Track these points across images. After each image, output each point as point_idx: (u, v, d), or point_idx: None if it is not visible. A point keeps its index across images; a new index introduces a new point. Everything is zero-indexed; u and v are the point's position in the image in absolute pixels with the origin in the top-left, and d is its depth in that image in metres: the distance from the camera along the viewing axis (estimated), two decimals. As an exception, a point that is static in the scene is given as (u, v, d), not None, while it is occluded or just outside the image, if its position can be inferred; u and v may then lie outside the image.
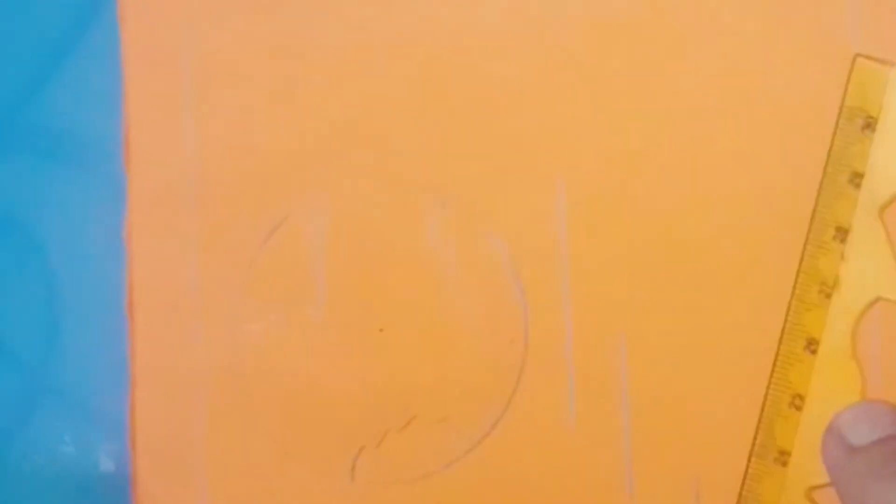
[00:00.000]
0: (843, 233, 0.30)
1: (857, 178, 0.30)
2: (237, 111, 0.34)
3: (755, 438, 0.30)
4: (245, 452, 0.34)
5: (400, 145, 0.33)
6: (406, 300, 0.33)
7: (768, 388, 0.30)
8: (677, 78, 0.32)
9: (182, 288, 0.34)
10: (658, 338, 0.32)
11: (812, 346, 0.30)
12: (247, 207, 0.34)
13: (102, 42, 0.36)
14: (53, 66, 0.38)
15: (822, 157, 0.31)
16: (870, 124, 0.30)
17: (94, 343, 0.37)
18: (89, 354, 0.37)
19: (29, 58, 0.38)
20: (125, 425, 0.35)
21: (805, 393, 0.30)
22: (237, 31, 0.35)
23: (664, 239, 0.32)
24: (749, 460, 0.30)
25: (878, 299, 0.30)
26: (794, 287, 0.30)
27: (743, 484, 0.30)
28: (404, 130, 0.33)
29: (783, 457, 0.30)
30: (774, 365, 0.30)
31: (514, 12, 0.33)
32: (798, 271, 0.30)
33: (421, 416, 0.33)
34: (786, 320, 0.30)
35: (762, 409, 0.30)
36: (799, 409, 0.30)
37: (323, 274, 0.34)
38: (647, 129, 0.32)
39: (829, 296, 0.30)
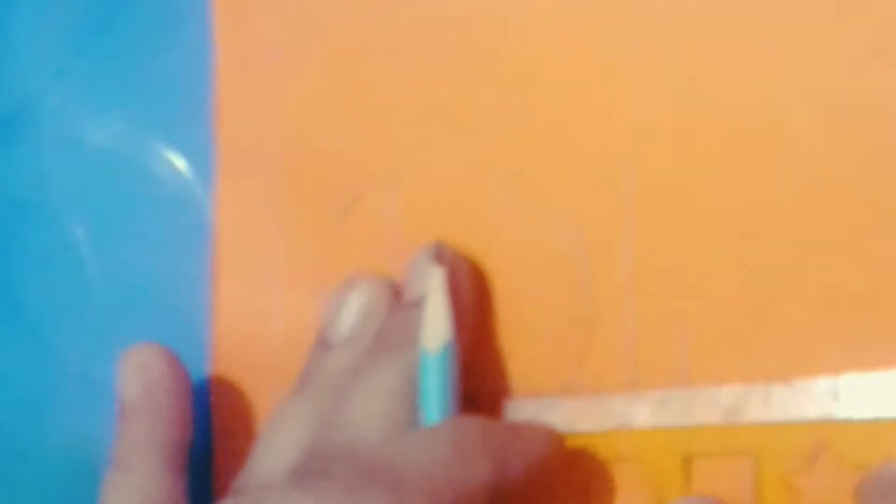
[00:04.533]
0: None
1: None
2: (324, 86, 0.35)
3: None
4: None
5: (475, 126, 0.33)
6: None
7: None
8: (754, 65, 0.31)
9: (266, 259, 0.35)
10: (722, 328, 0.31)
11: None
12: (329, 182, 0.34)
13: (192, 15, 0.37)
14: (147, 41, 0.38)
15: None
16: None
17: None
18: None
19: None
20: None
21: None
22: (325, 6, 0.35)
23: (731, 229, 0.31)
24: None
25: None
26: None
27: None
28: (481, 111, 0.33)
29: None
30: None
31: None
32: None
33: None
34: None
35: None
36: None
37: (398, 249, 0.33)
38: (719, 118, 0.31)
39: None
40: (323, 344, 0.32)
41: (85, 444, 0.37)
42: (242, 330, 0.35)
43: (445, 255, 0.31)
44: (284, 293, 0.34)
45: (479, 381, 0.32)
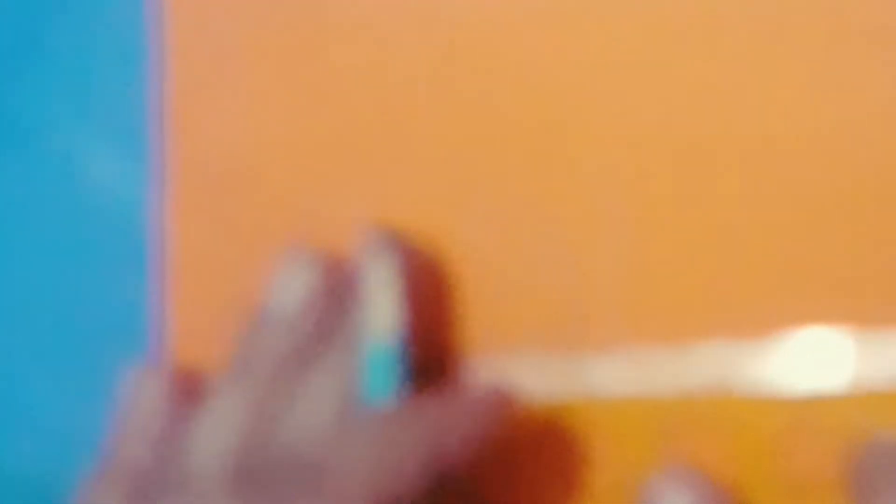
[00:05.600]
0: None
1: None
2: (283, 94, 0.33)
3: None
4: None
5: (447, 141, 0.32)
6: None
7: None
8: (744, 72, 0.30)
9: (222, 279, 0.33)
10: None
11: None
12: (289, 195, 0.33)
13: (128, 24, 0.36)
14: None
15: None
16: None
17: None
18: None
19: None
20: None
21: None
22: (283, 20, 0.34)
23: (725, 244, 0.29)
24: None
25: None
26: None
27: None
28: (450, 126, 0.32)
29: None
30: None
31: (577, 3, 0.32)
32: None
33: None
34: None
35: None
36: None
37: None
38: (709, 132, 0.30)
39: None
40: (261, 321, 0.30)
41: (24, 477, 0.36)
42: (200, 352, 0.33)
43: (392, 242, 0.30)
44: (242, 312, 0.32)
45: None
